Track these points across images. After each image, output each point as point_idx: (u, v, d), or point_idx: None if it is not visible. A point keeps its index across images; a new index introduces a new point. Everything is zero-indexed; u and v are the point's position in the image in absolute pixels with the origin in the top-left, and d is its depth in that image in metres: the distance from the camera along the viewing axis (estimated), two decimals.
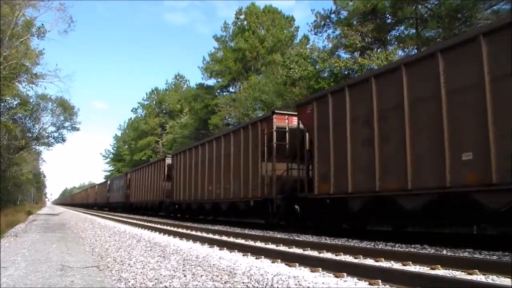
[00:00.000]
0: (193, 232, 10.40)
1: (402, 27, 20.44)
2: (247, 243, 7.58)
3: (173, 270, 4.88)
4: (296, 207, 10.21)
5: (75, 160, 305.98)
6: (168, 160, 20.97)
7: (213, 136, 16.57)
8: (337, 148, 8.60)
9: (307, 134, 10.11)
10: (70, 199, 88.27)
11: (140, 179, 26.50)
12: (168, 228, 12.20)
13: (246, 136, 12.51)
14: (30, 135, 36.74)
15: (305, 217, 10.21)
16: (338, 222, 9.58)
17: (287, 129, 11.27)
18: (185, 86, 53.81)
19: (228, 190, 13.31)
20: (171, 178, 19.85)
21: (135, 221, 15.84)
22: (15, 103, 28.02)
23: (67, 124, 39.79)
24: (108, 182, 39.18)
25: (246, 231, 10.43)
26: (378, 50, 19.29)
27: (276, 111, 11.78)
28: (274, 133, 11.05)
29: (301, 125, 10.36)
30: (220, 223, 14.69)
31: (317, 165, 9.11)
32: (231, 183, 13.11)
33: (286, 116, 11.46)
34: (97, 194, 44.91)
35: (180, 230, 11.19)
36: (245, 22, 34.03)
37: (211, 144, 15.27)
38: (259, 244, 7.53)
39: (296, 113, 10.80)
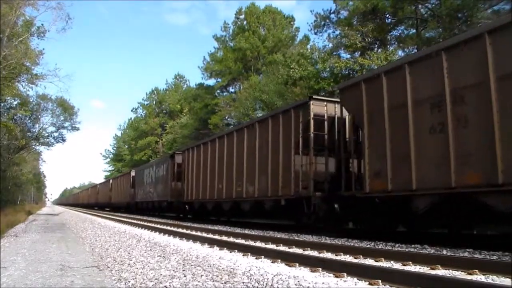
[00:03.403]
0: (193, 232, 10.40)
1: (402, 27, 20.47)
2: (247, 243, 7.57)
3: (173, 270, 4.87)
4: None
5: (75, 160, 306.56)
6: (317, 107, 9.84)
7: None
8: None
9: None
10: (73, 199, 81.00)
11: (212, 160, 14.97)
12: (168, 228, 12.19)
13: None
14: (30, 135, 36.77)
15: None
16: None
17: None
18: (185, 86, 53.90)
19: None
20: (324, 150, 9.85)
21: (135, 221, 15.86)
22: (15, 103, 28.06)
23: (67, 124, 39.89)
24: (133, 173, 29.07)
25: (246, 231, 10.43)
26: (378, 50, 19.30)
27: None
28: None
29: None
30: (221, 223, 14.66)
31: None
32: None
33: None
34: (112, 191, 35.91)
35: (180, 230, 11.18)
36: (245, 22, 34.07)
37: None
38: (259, 244, 7.52)
39: None
